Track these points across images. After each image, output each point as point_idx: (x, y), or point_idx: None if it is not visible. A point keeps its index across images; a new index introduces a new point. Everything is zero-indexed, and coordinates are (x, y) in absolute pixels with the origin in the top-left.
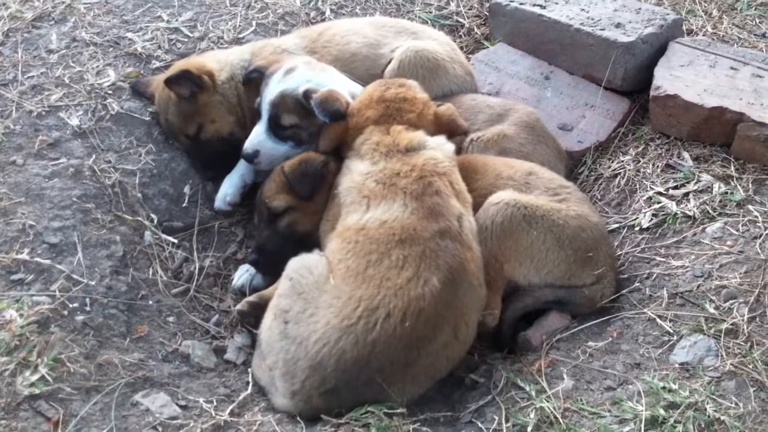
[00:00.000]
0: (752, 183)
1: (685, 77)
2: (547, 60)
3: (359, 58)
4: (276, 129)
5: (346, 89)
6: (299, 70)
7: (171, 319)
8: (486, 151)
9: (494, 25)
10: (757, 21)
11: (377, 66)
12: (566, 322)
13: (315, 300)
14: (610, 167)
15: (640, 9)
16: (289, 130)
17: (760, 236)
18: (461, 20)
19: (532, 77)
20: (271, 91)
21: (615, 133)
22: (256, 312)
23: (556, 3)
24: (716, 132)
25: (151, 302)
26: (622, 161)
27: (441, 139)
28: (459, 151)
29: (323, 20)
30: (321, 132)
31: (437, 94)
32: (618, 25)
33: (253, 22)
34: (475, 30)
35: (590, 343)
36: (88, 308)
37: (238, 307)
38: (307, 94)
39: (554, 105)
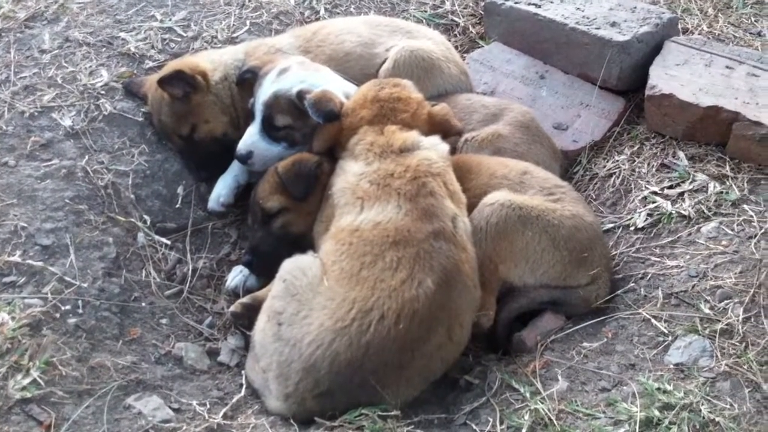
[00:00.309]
0: (747, 182)
1: (681, 76)
2: (542, 59)
3: (353, 58)
4: (269, 130)
5: (340, 89)
6: (293, 71)
7: (164, 321)
8: (481, 150)
9: (489, 24)
10: (753, 19)
11: (372, 65)
12: (561, 322)
13: (309, 302)
14: (605, 167)
15: (635, 8)
16: (282, 130)
17: (755, 236)
18: (456, 19)
19: (527, 76)
20: (264, 92)
21: (610, 133)
22: (250, 314)
23: (551, 2)
24: (711, 131)
25: (144, 304)
26: (617, 161)
27: (435, 140)
28: (453, 150)
29: (317, 19)
30: (315, 132)
31: (432, 93)
32: (613, 24)
33: (247, 22)
34: (470, 29)
35: (585, 344)
36: (80, 310)
37: (232, 308)
38: (300, 94)
39: (549, 104)
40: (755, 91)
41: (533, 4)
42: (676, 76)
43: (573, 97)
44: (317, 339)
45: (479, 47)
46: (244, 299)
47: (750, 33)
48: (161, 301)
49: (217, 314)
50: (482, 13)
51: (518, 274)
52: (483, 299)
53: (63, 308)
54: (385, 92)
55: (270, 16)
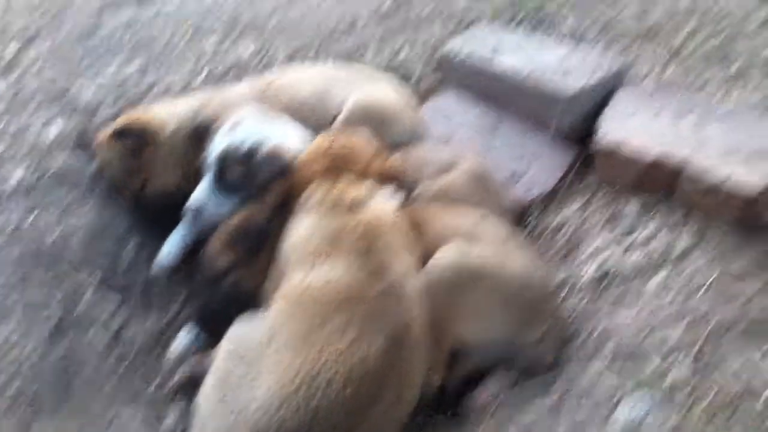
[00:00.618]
0: (696, 232)
1: (631, 125)
2: (496, 109)
3: (309, 107)
4: (221, 184)
5: (294, 141)
6: (246, 123)
7: (109, 385)
8: (434, 202)
9: (445, 73)
10: (703, 66)
11: (328, 115)
12: (512, 381)
13: (257, 365)
14: (556, 218)
15: (587, 57)
16: (234, 185)
17: (703, 286)
18: (412, 68)
19: (481, 126)
20: (217, 146)
21: (562, 183)
22: (197, 377)
23: (505, 52)
24: (661, 181)
25: (88, 367)
26: (569, 212)
27: (388, 192)
28: (407, 202)
29: (274, 69)
30: (267, 187)
31: (387, 143)
32: (565, 73)
33: (204, 71)
34: (426, 78)
35: (536, 402)
36: (22, 376)
37: (179, 371)
38: (252, 148)
39: (503, 154)
40: (703, 141)
41: (487, 54)
42: (626, 125)
43: (526, 146)
44: (264, 405)
45: (435, 97)
46: (191, 361)
47: (700, 80)
48: (106, 364)
49: (164, 377)
50: (438, 62)
51: (469, 332)
52: (433, 358)
53: (4, 374)
54: (338, 144)
55: (226, 65)
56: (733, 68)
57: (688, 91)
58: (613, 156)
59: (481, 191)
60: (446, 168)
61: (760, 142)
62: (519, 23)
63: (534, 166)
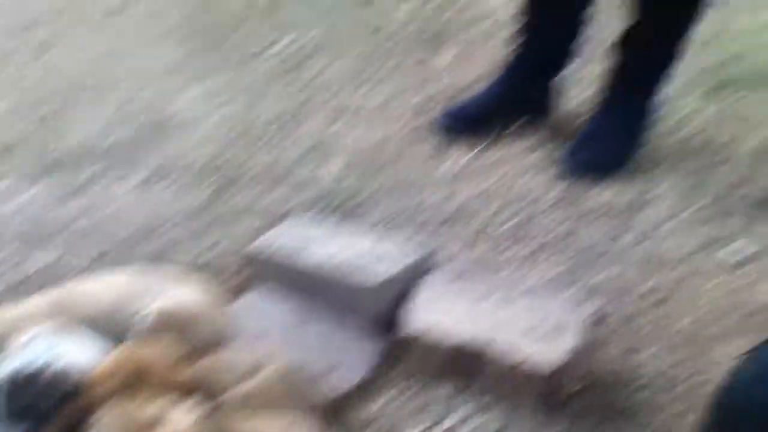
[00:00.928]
0: (505, 413)
1: (436, 310)
2: (306, 303)
3: (108, 318)
4: (9, 411)
5: (89, 357)
6: (36, 342)
7: None
8: (240, 409)
9: (255, 269)
10: (506, 246)
11: (128, 325)
12: None
13: None
14: (368, 411)
15: (395, 244)
16: (23, 411)
17: None
18: (222, 266)
19: (291, 322)
20: (3, 369)
21: (373, 374)
22: None
23: (315, 244)
24: (467, 365)
25: None
26: (381, 403)
27: (189, 405)
28: (210, 412)
29: (74, 278)
30: (58, 411)
31: (192, 349)
32: (374, 263)
33: None
34: (237, 275)
35: None
36: None
37: None
38: (40, 369)
39: (313, 349)
40: (505, 321)
41: (296, 248)
42: (431, 310)
43: (336, 339)
44: None
45: (245, 294)
46: None
47: (502, 259)
48: None
49: None
50: (248, 259)
51: None
52: None
53: None
54: (135, 356)
55: (24, 275)
56: (532, 245)
57: (491, 272)
58: (420, 343)
59: (289, 393)
60: (252, 371)
61: (556, 318)
62: (332, 213)
63: (345, 359)
